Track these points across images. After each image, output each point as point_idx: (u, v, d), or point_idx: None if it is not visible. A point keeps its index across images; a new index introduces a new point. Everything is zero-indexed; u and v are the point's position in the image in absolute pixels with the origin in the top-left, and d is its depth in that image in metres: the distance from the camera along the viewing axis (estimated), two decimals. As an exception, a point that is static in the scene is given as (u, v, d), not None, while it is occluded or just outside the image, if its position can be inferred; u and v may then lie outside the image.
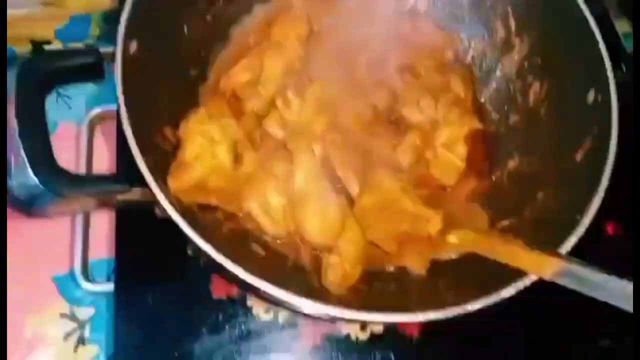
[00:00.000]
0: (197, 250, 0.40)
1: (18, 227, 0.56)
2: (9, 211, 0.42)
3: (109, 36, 0.65)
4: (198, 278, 0.52)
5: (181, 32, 0.54)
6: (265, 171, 0.50)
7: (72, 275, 0.54)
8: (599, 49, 0.49)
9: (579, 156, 0.48)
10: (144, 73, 0.46)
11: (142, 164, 0.40)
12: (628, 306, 0.37)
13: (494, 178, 0.57)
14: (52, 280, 0.55)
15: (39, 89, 0.41)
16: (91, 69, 0.44)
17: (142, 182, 0.40)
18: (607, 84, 0.48)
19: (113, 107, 0.58)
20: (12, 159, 0.39)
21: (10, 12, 0.64)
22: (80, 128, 0.59)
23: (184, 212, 0.42)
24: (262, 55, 0.56)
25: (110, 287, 0.52)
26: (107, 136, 0.60)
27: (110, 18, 0.68)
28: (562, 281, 0.40)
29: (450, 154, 0.55)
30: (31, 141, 0.39)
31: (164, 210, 0.41)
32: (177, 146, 0.50)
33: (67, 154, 0.58)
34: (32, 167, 0.38)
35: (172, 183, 0.45)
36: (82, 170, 0.58)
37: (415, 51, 0.59)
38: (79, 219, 0.56)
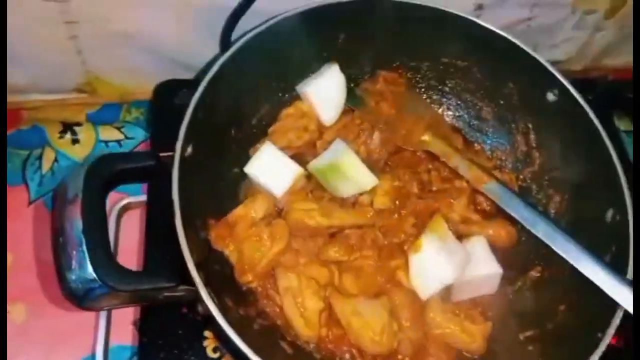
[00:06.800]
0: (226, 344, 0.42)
1: (41, 312, 0.57)
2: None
3: (137, 121, 0.70)
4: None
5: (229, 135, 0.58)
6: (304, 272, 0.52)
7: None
8: (615, 168, 0.53)
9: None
10: (195, 173, 0.50)
11: (193, 271, 0.43)
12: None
13: (517, 286, 0.59)
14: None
15: (103, 190, 0.45)
16: (150, 170, 0.48)
17: (189, 282, 0.44)
18: (625, 206, 0.51)
19: (139, 197, 0.62)
20: (73, 253, 0.42)
21: (44, 97, 0.69)
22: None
23: (223, 309, 0.44)
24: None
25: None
26: (131, 228, 0.62)
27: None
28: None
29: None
30: (93, 238, 0.42)
31: (207, 309, 0.43)
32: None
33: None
34: (91, 263, 0.41)
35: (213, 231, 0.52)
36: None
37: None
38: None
